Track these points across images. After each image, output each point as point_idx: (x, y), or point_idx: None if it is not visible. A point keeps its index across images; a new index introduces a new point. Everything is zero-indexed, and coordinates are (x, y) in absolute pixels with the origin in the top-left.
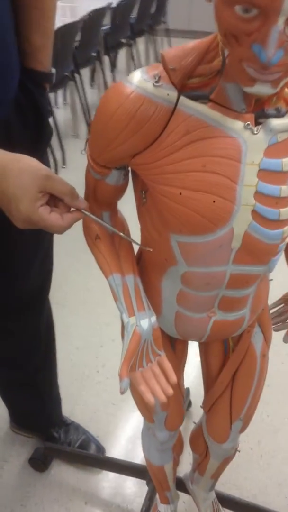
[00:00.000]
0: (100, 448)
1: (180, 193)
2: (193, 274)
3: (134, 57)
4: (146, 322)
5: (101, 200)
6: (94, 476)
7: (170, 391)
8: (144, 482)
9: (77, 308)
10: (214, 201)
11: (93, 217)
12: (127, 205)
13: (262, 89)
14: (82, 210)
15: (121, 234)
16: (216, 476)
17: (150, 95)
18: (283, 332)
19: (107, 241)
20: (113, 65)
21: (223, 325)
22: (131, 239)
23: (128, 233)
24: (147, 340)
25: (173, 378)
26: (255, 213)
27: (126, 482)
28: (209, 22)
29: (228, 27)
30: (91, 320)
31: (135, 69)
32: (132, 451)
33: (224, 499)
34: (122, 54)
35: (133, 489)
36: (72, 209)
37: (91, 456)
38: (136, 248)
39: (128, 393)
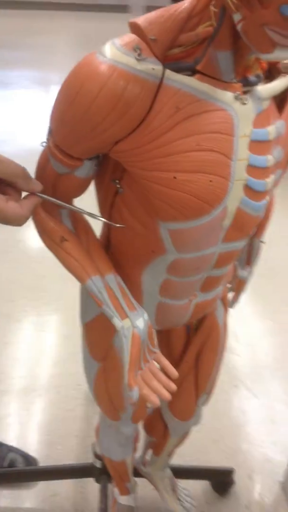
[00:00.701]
0: (31, 461)
1: (175, 177)
2: (183, 261)
3: None
4: (141, 321)
5: (61, 196)
6: (32, 491)
7: (174, 387)
8: (87, 480)
9: None
10: (211, 181)
11: (53, 199)
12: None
13: (281, 54)
14: (39, 194)
15: (101, 218)
16: (172, 453)
17: (135, 71)
18: None
19: (75, 242)
20: None
21: (202, 305)
22: (110, 222)
23: (91, 230)
24: (145, 340)
25: (175, 373)
26: (246, 187)
27: (69, 486)
28: None
29: None
30: None
31: None
32: (65, 453)
33: (174, 471)
34: None
35: (81, 490)
36: (23, 194)
37: (25, 471)
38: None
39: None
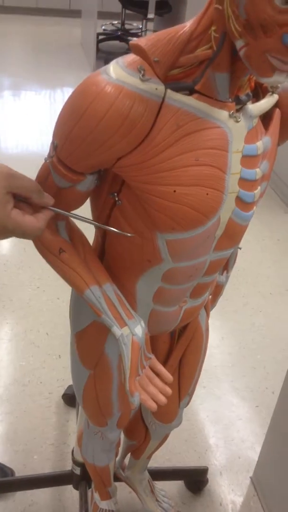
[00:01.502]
0: (7, 472)
1: (175, 191)
2: (178, 269)
3: None
4: (139, 328)
5: (60, 209)
6: (10, 502)
7: (169, 391)
8: (64, 488)
9: None
10: (207, 194)
11: (66, 213)
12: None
13: (279, 78)
14: (50, 208)
15: (111, 228)
16: (151, 455)
17: (140, 91)
18: None
19: (73, 253)
20: None
21: (191, 311)
22: (124, 233)
23: (87, 242)
24: (142, 347)
25: (169, 377)
26: (237, 199)
27: (46, 495)
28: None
29: (261, 18)
30: None
31: None
32: (41, 462)
33: (151, 473)
34: None
35: (58, 498)
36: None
37: (2, 482)
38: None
39: (6, 408)
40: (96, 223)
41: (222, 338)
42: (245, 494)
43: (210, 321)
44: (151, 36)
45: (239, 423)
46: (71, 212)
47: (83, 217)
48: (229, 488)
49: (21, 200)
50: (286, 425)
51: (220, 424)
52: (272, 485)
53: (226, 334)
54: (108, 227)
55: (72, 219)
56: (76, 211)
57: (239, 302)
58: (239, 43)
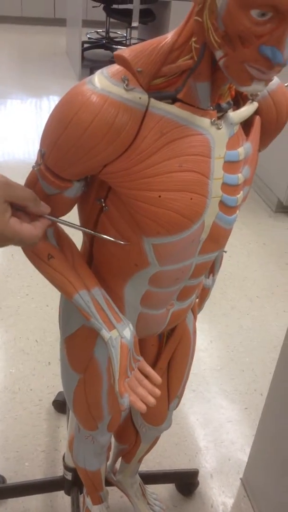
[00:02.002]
0: None
1: (160, 196)
2: (164, 273)
3: None
4: (128, 331)
5: (48, 215)
6: (2, 509)
7: (158, 392)
8: (56, 494)
9: None
10: (191, 198)
11: (62, 221)
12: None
13: (258, 87)
14: (47, 216)
15: (106, 237)
16: (142, 459)
17: (125, 100)
18: None
19: (61, 259)
20: None
21: (178, 314)
22: (117, 240)
23: (75, 247)
24: (131, 349)
25: (158, 379)
26: (221, 203)
27: (38, 501)
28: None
29: (239, 30)
30: None
31: None
32: (32, 469)
33: (142, 477)
34: None
35: (50, 504)
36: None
37: None
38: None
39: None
40: (92, 231)
41: (211, 341)
42: (235, 496)
43: (198, 325)
44: (135, 47)
45: (228, 426)
46: (60, 218)
47: (79, 226)
48: (220, 490)
49: (18, 209)
50: (273, 426)
51: (210, 427)
52: (261, 486)
53: (214, 337)
54: (103, 235)
55: (60, 225)
56: (65, 217)
57: (226, 305)
58: (218, 54)
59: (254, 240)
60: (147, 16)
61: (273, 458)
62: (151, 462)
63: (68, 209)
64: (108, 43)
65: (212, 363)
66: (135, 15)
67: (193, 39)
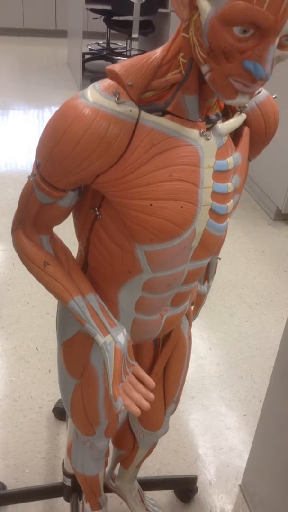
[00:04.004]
0: None
1: (151, 204)
2: (157, 279)
3: None
4: (122, 336)
5: (43, 224)
6: None
7: (152, 396)
8: (55, 500)
9: None
10: (182, 207)
11: None
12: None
13: (242, 100)
14: None
15: None
16: (140, 464)
17: (116, 113)
18: None
19: (57, 265)
20: None
21: (172, 319)
22: None
23: (70, 254)
24: (125, 354)
25: (152, 383)
26: (211, 211)
27: (37, 508)
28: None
29: (222, 46)
30: None
31: None
32: (32, 475)
33: (140, 483)
34: None
35: (49, 510)
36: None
37: None
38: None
39: None
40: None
41: (210, 348)
42: (234, 502)
43: (197, 332)
44: (125, 62)
45: (227, 432)
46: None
47: None
48: (219, 496)
49: None
50: (271, 432)
51: (209, 434)
52: (260, 492)
53: (214, 344)
54: None
55: (56, 232)
56: (61, 225)
57: (225, 313)
58: (204, 69)
59: (253, 248)
60: (147, 27)
61: (271, 464)
62: (150, 468)
63: (63, 218)
64: (108, 54)
65: (211, 370)
66: (135, 26)
67: (181, 54)
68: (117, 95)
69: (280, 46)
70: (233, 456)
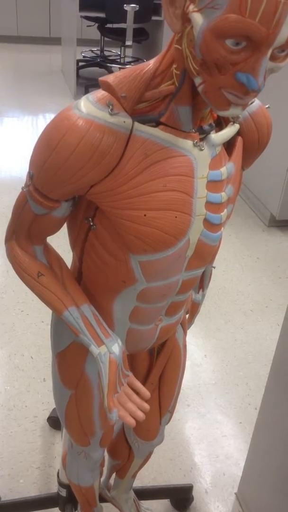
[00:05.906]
0: None
1: (145, 215)
2: (151, 289)
3: None
4: (116, 347)
5: (37, 234)
6: None
7: (147, 407)
8: (51, 511)
9: None
10: (176, 217)
11: None
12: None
13: (235, 111)
14: None
15: None
16: (136, 474)
17: (109, 124)
18: None
19: (51, 276)
20: None
21: (167, 329)
22: None
23: (64, 265)
24: (119, 364)
25: (147, 394)
26: (205, 221)
27: None
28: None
29: (215, 58)
30: None
31: None
32: (27, 486)
33: (136, 493)
34: None
35: None
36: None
37: None
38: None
39: None
40: None
41: (205, 356)
42: (230, 511)
43: (192, 340)
44: (119, 73)
45: (223, 440)
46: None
47: None
48: (215, 505)
49: None
50: (266, 440)
51: (205, 442)
52: (256, 500)
53: (209, 352)
54: None
55: (50, 243)
56: (55, 236)
57: (220, 320)
58: (197, 80)
59: (247, 255)
60: (140, 35)
61: (267, 472)
62: (146, 477)
63: (57, 229)
64: (102, 62)
65: (207, 378)
66: (129, 34)
67: (174, 65)
68: (110, 106)
69: (273, 58)
70: (229, 464)
